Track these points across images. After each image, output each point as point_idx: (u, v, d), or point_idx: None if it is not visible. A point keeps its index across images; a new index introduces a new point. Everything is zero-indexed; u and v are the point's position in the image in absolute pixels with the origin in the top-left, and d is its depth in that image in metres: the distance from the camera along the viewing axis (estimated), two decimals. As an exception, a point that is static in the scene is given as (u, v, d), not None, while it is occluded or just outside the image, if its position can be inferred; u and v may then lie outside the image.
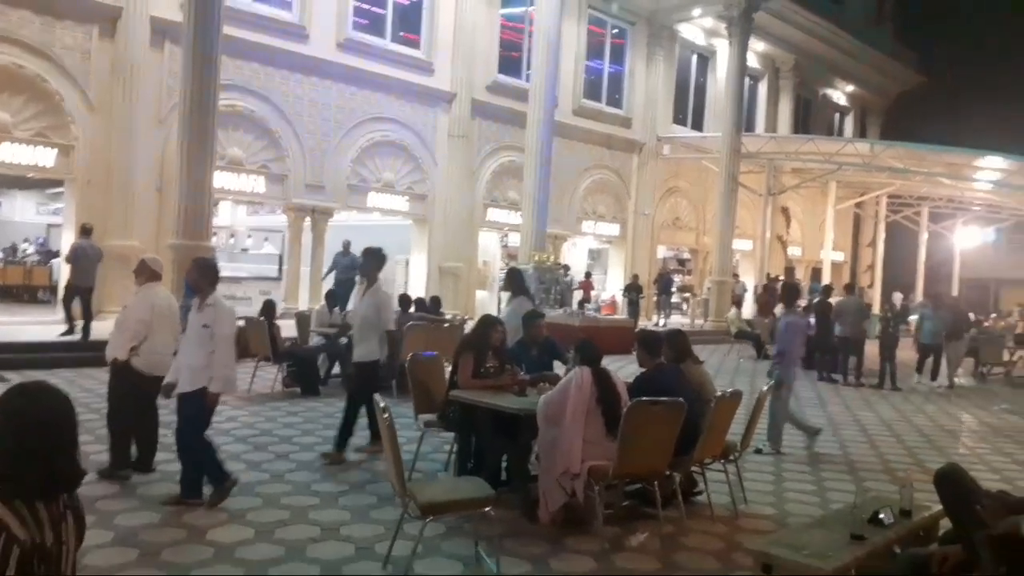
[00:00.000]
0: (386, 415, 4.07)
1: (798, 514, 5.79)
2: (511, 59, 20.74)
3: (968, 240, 29.96)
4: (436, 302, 12.08)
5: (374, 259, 7.08)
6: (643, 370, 5.58)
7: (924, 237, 29.59)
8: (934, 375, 13.98)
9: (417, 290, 17.60)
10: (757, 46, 26.02)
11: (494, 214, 20.42)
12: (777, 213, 27.16)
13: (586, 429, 5.03)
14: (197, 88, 11.60)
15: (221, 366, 5.20)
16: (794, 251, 29.55)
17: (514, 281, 8.85)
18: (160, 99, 14.16)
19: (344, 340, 10.22)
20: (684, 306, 24.88)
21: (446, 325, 11.33)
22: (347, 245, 16.30)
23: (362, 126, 17.62)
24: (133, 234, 13.72)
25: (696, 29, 25.35)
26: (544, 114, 17.81)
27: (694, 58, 26.45)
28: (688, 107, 26.22)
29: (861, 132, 32.99)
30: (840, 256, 30.18)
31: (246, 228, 22.91)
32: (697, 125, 26.28)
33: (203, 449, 5.29)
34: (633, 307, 20.05)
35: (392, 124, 18.17)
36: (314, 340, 10.95)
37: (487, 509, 4.28)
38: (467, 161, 19.41)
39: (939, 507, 3.85)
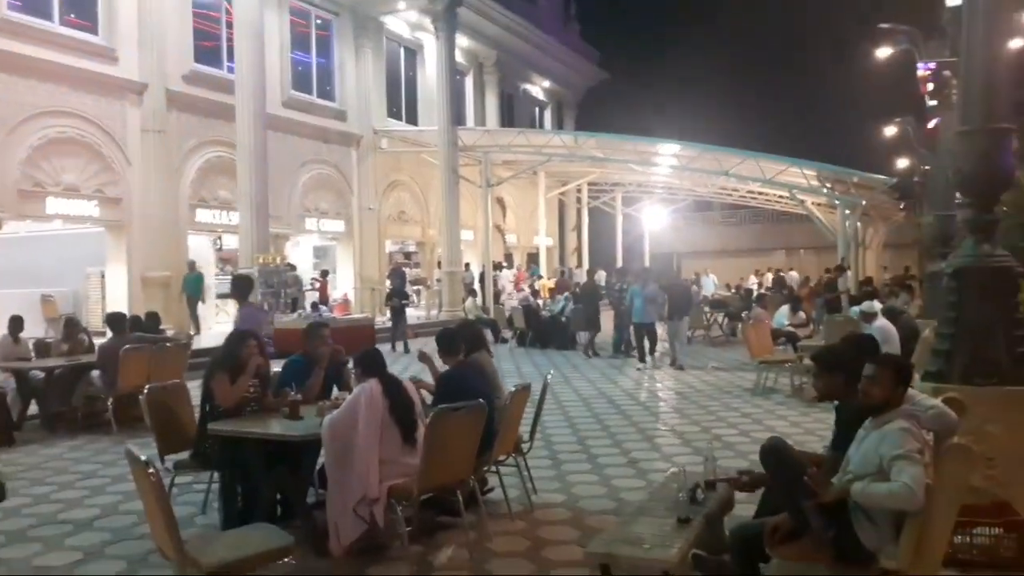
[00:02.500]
0: (151, 469, 3.23)
1: (587, 496, 5.82)
2: (208, 48, 19.00)
3: (655, 220, 33.68)
4: (154, 319, 10.52)
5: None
6: (446, 368, 5.21)
7: (620, 220, 32.68)
8: (646, 353, 13.28)
9: (118, 305, 15.42)
10: (462, 42, 26.67)
11: (204, 215, 18.59)
12: (493, 203, 28.19)
13: (382, 447, 4.53)
14: None
15: None
16: (511, 239, 30.97)
17: (240, 288, 8.07)
18: None
19: (40, 373, 8.52)
20: (415, 298, 24.85)
21: (169, 345, 9.89)
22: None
23: (32, 122, 14.96)
24: None
25: (401, 22, 25.31)
26: (254, 106, 16.54)
27: (402, 51, 26.44)
28: (401, 101, 26.16)
29: (559, 125, 35.48)
30: (551, 241, 32.21)
31: None
32: (411, 119, 26.33)
33: None
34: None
35: (71, 119, 15.68)
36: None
37: (286, 559, 3.62)
38: (166, 158, 17.43)
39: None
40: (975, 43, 4.82)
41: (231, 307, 19.51)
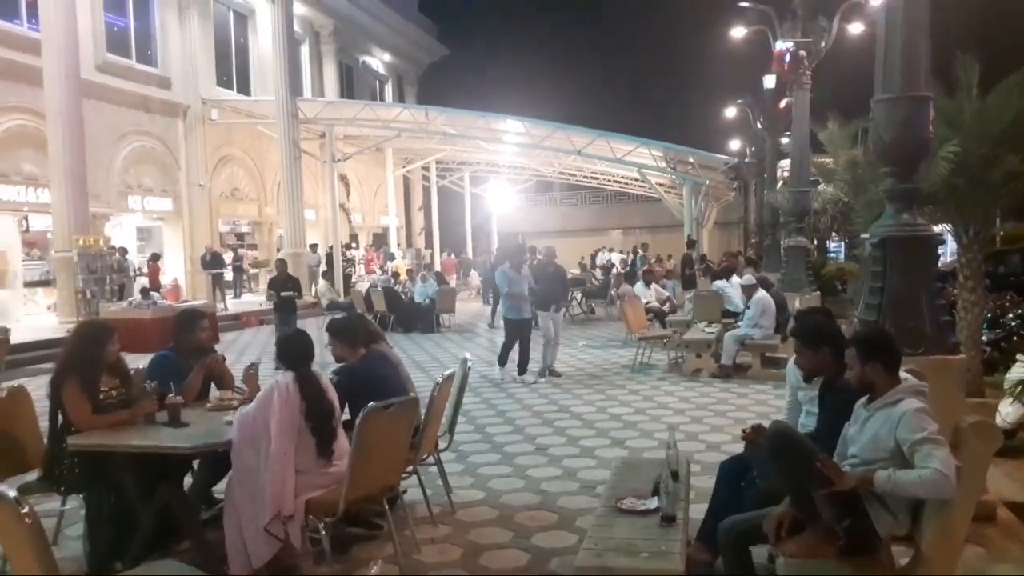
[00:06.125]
0: (24, 509, 2.39)
1: (508, 492, 5.37)
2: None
3: (501, 200, 33.61)
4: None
5: None
6: (341, 365, 4.50)
7: (468, 199, 32.30)
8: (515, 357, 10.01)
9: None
10: (298, 9, 24.99)
11: (6, 192, 16.16)
12: (337, 181, 26.87)
13: (297, 456, 3.82)
14: None
15: None
16: (356, 218, 29.74)
17: None
18: None
19: None
20: (250, 283, 23.23)
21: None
22: None
23: None
24: None
25: (231, -16, 23.36)
26: (65, 67, 14.54)
27: (231, 16, 24.47)
28: (232, 69, 24.22)
29: (400, 100, 34.46)
30: (398, 221, 31.30)
31: None
32: (243, 88, 24.45)
33: None
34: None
35: None
36: None
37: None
38: (-46, 127, 14.93)
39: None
40: (895, 11, 4.79)
41: (41, 296, 17.28)
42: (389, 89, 34.69)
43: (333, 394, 4.03)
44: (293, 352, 3.96)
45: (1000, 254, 14.06)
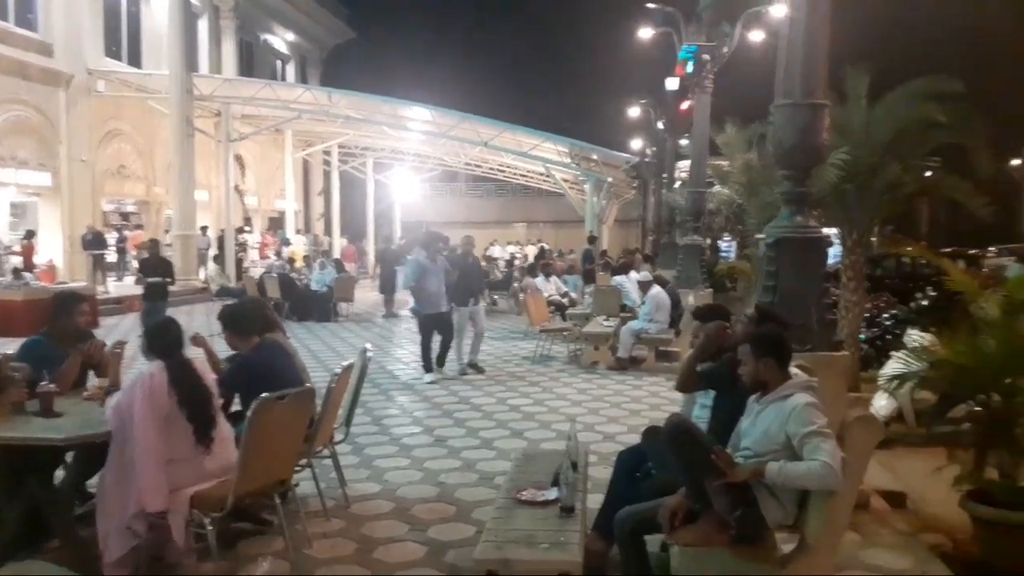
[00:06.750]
0: None
1: (405, 484, 5.28)
2: None
3: (406, 188, 33.18)
4: None
5: None
6: (235, 353, 4.29)
7: (371, 186, 31.70)
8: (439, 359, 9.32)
9: None
10: (195, -21, 23.96)
11: None
12: (232, 161, 25.83)
13: (172, 445, 3.62)
14: None
15: None
16: (251, 201, 28.69)
17: None
18: None
19: None
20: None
21: None
22: None
23: None
24: None
25: (122, -51, 22.03)
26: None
27: (123, -19, 23.08)
28: (122, 39, 22.89)
29: (302, 81, 33.44)
30: (296, 205, 30.41)
31: None
32: (134, 60, 23.16)
33: None
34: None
35: None
36: None
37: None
38: None
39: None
40: (798, 22, 4.96)
41: None
42: (291, 69, 33.63)
43: (210, 379, 3.85)
44: (161, 343, 3.74)
45: (876, 258, 14.95)
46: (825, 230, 5.95)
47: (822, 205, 6.74)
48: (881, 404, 6.31)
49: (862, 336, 8.39)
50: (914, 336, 6.93)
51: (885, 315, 9.66)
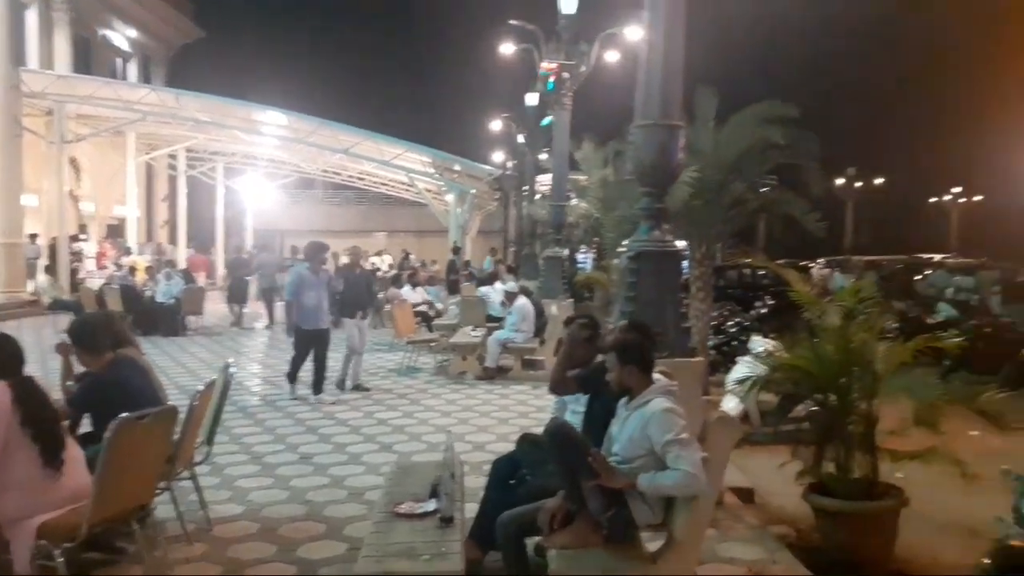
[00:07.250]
0: None
1: (270, 504, 5.10)
2: None
3: (258, 194, 31.89)
4: None
5: None
6: (85, 371, 3.99)
7: (221, 192, 30.24)
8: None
9: None
10: (22, -35, 22.02)
11: None
12: (66, 164, 23.90)
13: (12, 470, 3.33)
14: None
15: None
16: (87, 207, 26.61)
17: None
18: None
19: None
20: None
21: None
22: None
23: None
24: None
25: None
26: None
27: (-65, -38, 20.82)
28: (-65, 25, 20.61)
29: (145, 80, 31.44)
30: (138, 212, 28.50)
31: None
32: (-50, 50, 20.91)
33: None
34: None
35: None
36: None
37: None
38: None
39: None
40: (655, 47, 5.26)
41: None
42: (133, 68, 31.53)
43: (54, 398, 3.59)
44: (4, 358, 3.45)
45: (720, 269, 16.00)
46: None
47: (674, 220, 7.15)
48: (730, 406, 6.76)
49: (710, 343, 8.97)
50: (758, 342, 7.49)
51: (730, 323, 10.37)
